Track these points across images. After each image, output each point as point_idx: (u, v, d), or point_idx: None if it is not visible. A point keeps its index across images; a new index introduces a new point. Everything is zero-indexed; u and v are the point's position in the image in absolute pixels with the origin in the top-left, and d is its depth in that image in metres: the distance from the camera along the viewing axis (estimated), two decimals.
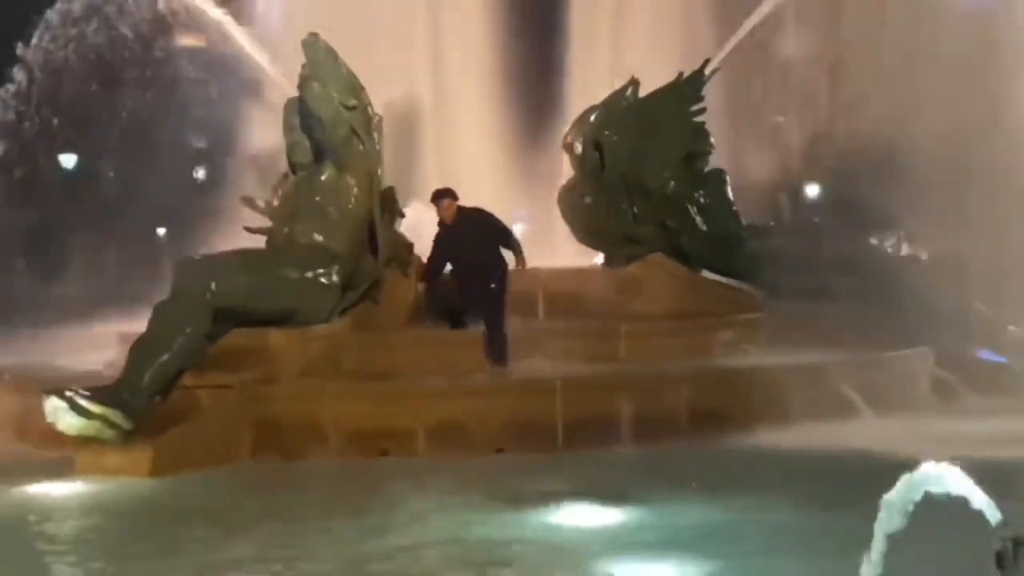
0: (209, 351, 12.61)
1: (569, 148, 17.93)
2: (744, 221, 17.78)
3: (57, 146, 35.35)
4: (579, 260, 18.00)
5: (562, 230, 18.13)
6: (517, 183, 20.93)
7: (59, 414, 11.63)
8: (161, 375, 12.10)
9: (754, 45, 21.28)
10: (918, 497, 4.42)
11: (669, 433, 12.38)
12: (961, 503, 4.42)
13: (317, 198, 14.06)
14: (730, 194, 17.65)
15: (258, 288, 13.13)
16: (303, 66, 14.14)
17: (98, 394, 11.74)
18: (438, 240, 14.60)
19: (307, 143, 14.36)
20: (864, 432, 12.51)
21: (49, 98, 20.28)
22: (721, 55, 19.95)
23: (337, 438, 12.37)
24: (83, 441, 11.68)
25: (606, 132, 17.47)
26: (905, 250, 19.05)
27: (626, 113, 17.49)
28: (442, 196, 14.70)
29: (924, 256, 18.35)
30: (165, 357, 12.14)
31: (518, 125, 21.89)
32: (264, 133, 17.67)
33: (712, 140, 17.66)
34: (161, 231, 35.29)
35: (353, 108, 14.17)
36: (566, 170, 18.25)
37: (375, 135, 14.44)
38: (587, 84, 20.93)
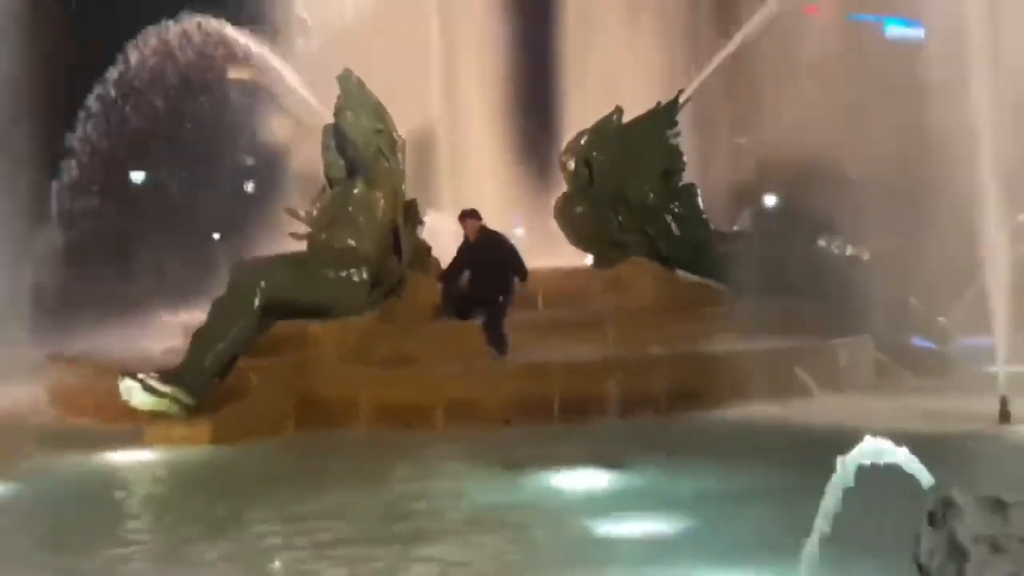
0: (259, 339, 12.64)
1: (563, 166, 17.98)
2: (712, 228, 17.83)
3: (131, 164, 35.31)
4: (573, 261, 18.01)
5: (558, 235, 18.15)
6: (520, 195, 20.97)
7: (133, 393, 11.66)
8: (218, 360, 12.14)
9: (721, 78, 21.28)
10: (865, 462, 4.45)
11: (650, 409, 12.40)
12: (898, 469, 4.45)
13: (350, 208, 14.04)
14: (701, 205, 17.72)
15: (300, 285, 13.12)
16: (338, 97, 14.16)
17: (165, 376, 11.78)
18: (460, 252, 14.73)
19: (341, 162, 14.34)
20: (815, 408, 12.53)
21: (121, 122, 20.24)
22: (694, 85, 19.95)
23: (367, 413, 12.34)
24: (152, 416, 11.71)
25: (594, 152, 17.50)
26: (849, 251, 18.97)
27: (612, 136, 17.49)
28: (468, 216, 14.81)
29: (866, 256, 18.28)
30: (222, 345, 12.18)
31: (520, 145, 21.94)
32: (305, 153, 17.64)
33: (684, 159, 17.72)
34: (217, 236, 35.25)
35: (380, 131, 14.15)
36: (561, 185, 18.28)
37: (399, 155, 14.41)
38: (579, 112, 20.95)
